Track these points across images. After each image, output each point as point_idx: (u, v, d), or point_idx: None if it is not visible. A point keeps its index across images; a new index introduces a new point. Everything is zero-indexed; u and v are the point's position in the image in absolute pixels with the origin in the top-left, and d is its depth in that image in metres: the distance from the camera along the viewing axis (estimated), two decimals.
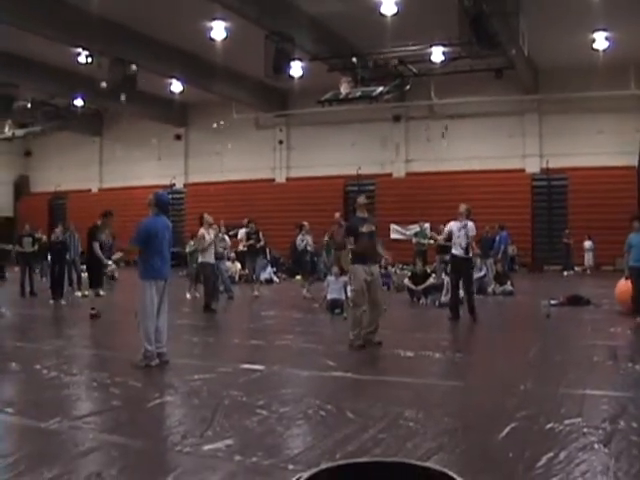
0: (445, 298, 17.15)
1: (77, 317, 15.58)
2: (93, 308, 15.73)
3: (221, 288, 19.41)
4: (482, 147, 31.44)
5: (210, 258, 16.71)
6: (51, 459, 5.52)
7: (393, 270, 26.38)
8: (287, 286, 23.80)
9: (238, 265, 25.34)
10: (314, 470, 2.38)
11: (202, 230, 16.71)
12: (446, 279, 17.57)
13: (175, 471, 5.24)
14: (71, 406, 7.55)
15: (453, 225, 14.67)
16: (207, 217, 17.07)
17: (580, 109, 29.70)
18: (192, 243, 20.53)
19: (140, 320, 9.44)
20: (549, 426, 6.31)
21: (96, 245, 15.99)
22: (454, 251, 14.53)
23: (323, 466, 2.45)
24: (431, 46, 24.30)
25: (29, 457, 5.58)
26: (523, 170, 31.55)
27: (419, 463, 2.56)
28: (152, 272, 9.51)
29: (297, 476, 2.34)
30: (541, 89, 30.43)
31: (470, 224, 14.58)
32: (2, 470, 5.24)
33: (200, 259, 16.86)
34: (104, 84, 24.89)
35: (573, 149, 29.70)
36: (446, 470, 2.42)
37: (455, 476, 2.35)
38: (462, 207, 14.85)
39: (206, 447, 5.79)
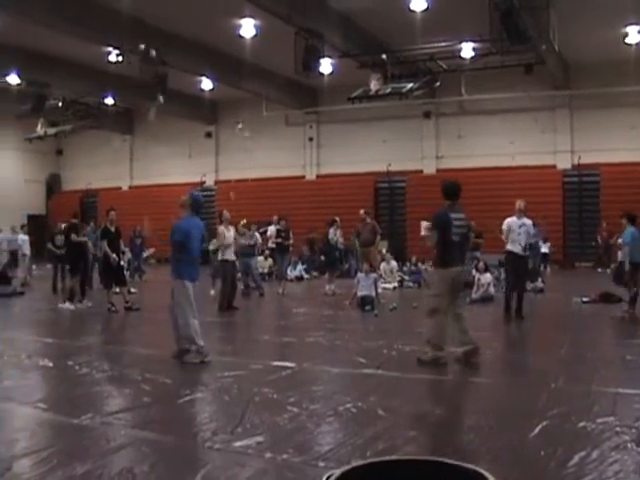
0: (476, 295, 17.10)
1: (107, 314, 15.66)
2: (127, 302, 15.98)
3: (252, 285, 19.49)
4: (513, 143, 31.26)
5: (230, 255, 16.62)
6: (83, 454, 5.57)
7: (423, 267, 26.31)
8: (317, 283, 23.79)
9: (270, 261, 25.39)
10: (346, 468, 2.38)
11: (222, 227, 16.65)
12: (477, 276, 17.49)
13: (205, 467, 5.27)
14: (103, 402, 7.61)
15: (512, 222, 14.20)
16: (226, 214, 17.05)
17: (612, 104, 29.39)
18: (215, 241, 20.57)
19: (185, 320, 9.50)
20: (581, 425, 6.27)
21: (104, 243, 16.20)
22: (511, 248, 14.09)
23: (355, 464, 2.44)
24: (461, 42, 24.19)
25: (61, 452, 5.63)
26: (554, 166, 31.29)
27: (451, 461, 2.54)
28: (192, 273, 9.66)
29: (329, 473, 2.34)
30: (572, 84, 30.15)
31: (529, 222, 14.39)
32: (35, 465, 5.30)
33: (220, 256, 16.72)
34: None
35: (605, 145, 29.41)
36: (478, 468, 2.41)
37: (487, 474, 2.34)
38: (521, 204, 14.46)
39: (236, 444, 5.81)
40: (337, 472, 2.33)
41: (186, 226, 9.78)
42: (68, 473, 5.12)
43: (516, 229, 14.07)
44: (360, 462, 2.48)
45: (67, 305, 16.70)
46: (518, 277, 14.36)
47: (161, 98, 26.29)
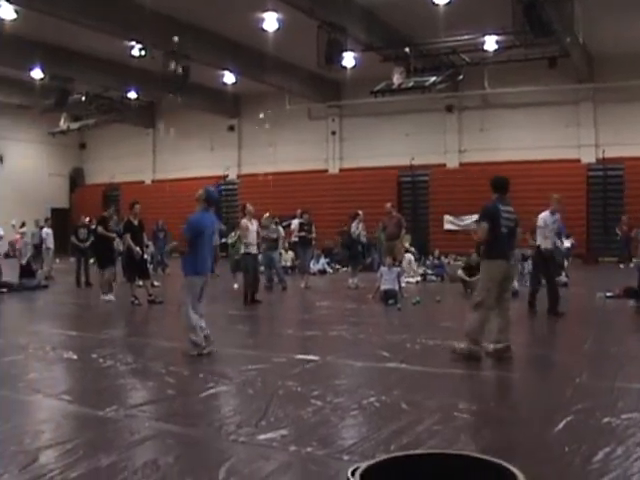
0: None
1: (130, 307, 15.75)
2: (150, 295, 16.08)
3: (275, 278, 19.52)
4: (536, 137, 31.05)
5: (252, 249, 16.64)
6: (108, 446, 5.60)
7: (446, 261, 26.27)
8: (340, 277, 23.81)
9: (291, 254, 25.45)
10: (372, 461, 2.38)
11: (244, 220, 16.67)
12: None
13: (230, 460, 5.29)
14: (127, 395, 7.66)
15: (546, 217, 13.85)
16: (249, 207, 17.06)
17: (637, 97, 29.06)
18: (233, 234, 20.66)
19: (186, 313, 9.59)
20: (606, 420, 6.23)
21: (127, 237, 16.27)
22: (544, 244, 13.70)
23: (381, 457, 2.44)
24: (484, 35, 24.07)
25: (87, 444, 5.67)
26: (578, 160, 31.09)
27: (476, 455, 2.54)
28: (198, 267, 9.71)
29: (355, 466, 2.34)
30: (596, 78, 29.93)
31: (558, 217, 14.17)
32: (61, 456, 5.34)
33: (243, 250, 16.78)
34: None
35: (630, 138, 29.11)
36: (504, 462, 2.40)
37: (513, 469, 2.33)
38: (557, 199, 14.20)
39: (261, 437, 5.82)
40: (363, 465, 2.34)
41: (198, 221, 9.86)
42: (93, 465, 5.16)
43: (550, 224, 13.78)
44: (385, 456, 2.48)
45: (109, 297, 16.81)
46: (550, 273, 14.04)
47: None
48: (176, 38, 22.97)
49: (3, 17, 21.80)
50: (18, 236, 29.11)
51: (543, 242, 13.79)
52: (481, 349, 9.16)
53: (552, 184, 26.55)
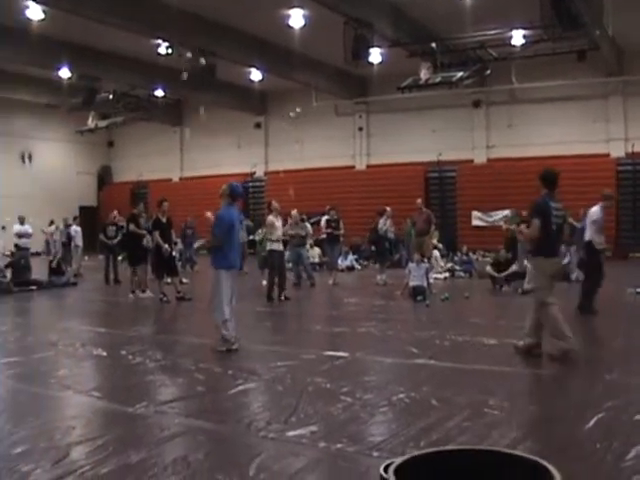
0: (528, 285, 16.86)
1: (159, 304, 15.81)
2: (179, 292, 16.18)
3: (304, 275, 19.51)
4: (565, 132, 30.81)
5: (279, 246, 16.65)
6: (138, 443, 5.64)
7: (475, 257, 26.15)
8: (368, 273, 23.77)
9: (317, 250, 25.45)
10: (405, 457, 2.36)
11: (271, 217, 16.69)
12: (529, 266, 17.26)
13: (260, 456, 5.29)
14: (156, 391, 7.69)
15: (598, 212, 13.30)
16: (275, 204, 17.08)
17: None
18: (260, 231, 20.68)
19: (216, 308, 9.62)
20: (637, 417, 6.18)
21: (156, 234, 16.37)
22: (597, 239, 13.23)
23: (414, 453, 2.42)
24: (511, 29, 23.86)
25: (117, 440, 5.70)
26: (607, 155, 30.83)
27: (509, 451, 2.51)
28: (228, 262, 9.76)
29: (388, 462, 2.33)
30: (626, 71, 29.68)
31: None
32: (91, 452, 5.36)
33: (269, 246, 16.77)
34: (184, 75, 25.29)
35: None
36: (538, 459, 2.37)
37: (549, 466, 2.30)
38: (609, 194, 13.87)
39: (290, 433, 5.83)
40: (396, 462, 2.32)
41: (228, 217, 9.90)
42: (123, 461, 5.18)
43: (599, 220, 13.27)
44: (416, 452, 2.46)
45: (146, 294, 16.95)
46: (593, 269, 13.51)
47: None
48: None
49: (31, 17, 21.98)
50: (48, 234, 29.37)
51: (595, 237, 13.30)
52: (573, 344, 8.96)
53: (581, 179, 26.43)
